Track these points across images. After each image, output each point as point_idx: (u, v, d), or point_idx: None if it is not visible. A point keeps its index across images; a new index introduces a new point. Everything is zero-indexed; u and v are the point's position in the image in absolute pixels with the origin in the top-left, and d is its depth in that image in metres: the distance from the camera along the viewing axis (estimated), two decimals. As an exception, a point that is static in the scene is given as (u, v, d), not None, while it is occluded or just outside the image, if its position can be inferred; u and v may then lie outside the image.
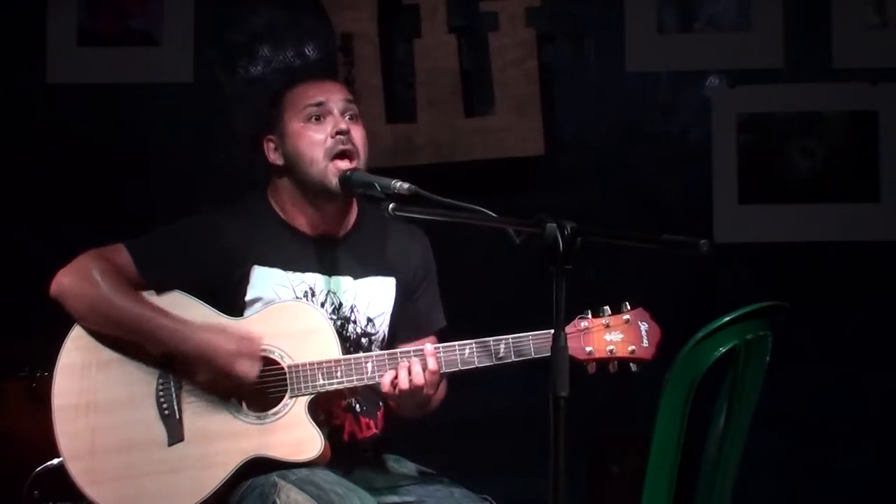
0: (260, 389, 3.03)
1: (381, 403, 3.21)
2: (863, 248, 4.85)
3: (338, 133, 3.10)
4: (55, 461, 3.25)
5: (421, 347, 3.03)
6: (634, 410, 4.44)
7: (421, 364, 2.99)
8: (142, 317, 3.01)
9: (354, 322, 3.17)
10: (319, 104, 3.12)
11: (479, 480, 3.17)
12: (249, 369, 2.99)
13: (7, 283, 4.68)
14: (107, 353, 3.04)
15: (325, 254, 3.17)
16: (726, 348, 3.21)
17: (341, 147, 3.09)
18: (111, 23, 4.98)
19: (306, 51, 4.99)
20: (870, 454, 4.77)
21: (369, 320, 3.19)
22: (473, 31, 4.89)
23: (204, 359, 2.99)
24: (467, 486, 3.13)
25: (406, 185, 2.98)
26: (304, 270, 3.13)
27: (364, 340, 3.16)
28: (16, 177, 4.88)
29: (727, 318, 3.22)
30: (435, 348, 3.01)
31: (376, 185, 3.02)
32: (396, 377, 2.98)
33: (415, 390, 2.98)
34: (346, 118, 3.13)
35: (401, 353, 3.04)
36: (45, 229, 4.79)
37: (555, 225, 2.64)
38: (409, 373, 2.97)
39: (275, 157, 3.17)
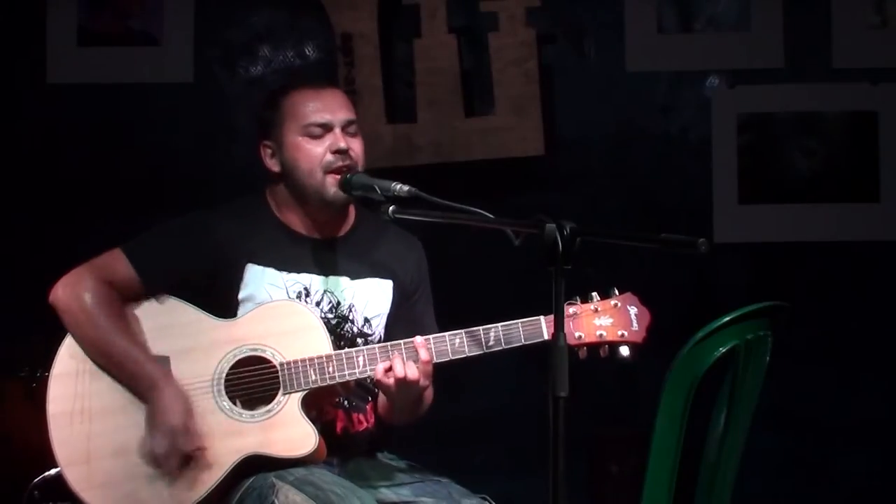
0: (253, 388, 3.04)
1: (369, 398, 3.22)
2: (863, 248, 4.85)
3: (337, 151, 3.11)
4: (52, 471, 3.25)
5: (411, 340, 3.04)
6: (634, 410, 4.45)
7: (413, 357, 3.00)
8: (123, 354, 3.03)
9: (352, 321, 3.18)
10: (323, 125, 3.13)
11: (478, 480, 3.17)
12: (165, 461, 2.98)
13: (7, 282, 4.68)
14: None
15: (322, 254, 3.18)
16: (726, 348, 3.22)
17: (339, 164, 3.11)
18: (111, 23, 4.98)
19: (306, 51, 4.99)
20: (870, 454, 4.77)
21: (366, 320, 3.19)
22: (473, 31, 4.89)
23: (154, 415, 3.00)
24: (466, 486, 3.13)
25: (406, 188, 3.00)
26: (299, 271, 3.15)
27: (360, 341, 3.17)
28: (15, 177, 4.88)
29: (727, 318, 3.22)
30: (425, 339, 3.02)
31: (376, 188, 3.03)
32: (391, 368, 2.99)
33: (410, 382, 2.99)
34: (347, 134, 3.14)
35: (391, 345, 3.05)
36: (45, 229, 4.79)
37: (554, 225, 2.64)
38: (403, 363, 2.98)
39: (272, 164, 3.19)
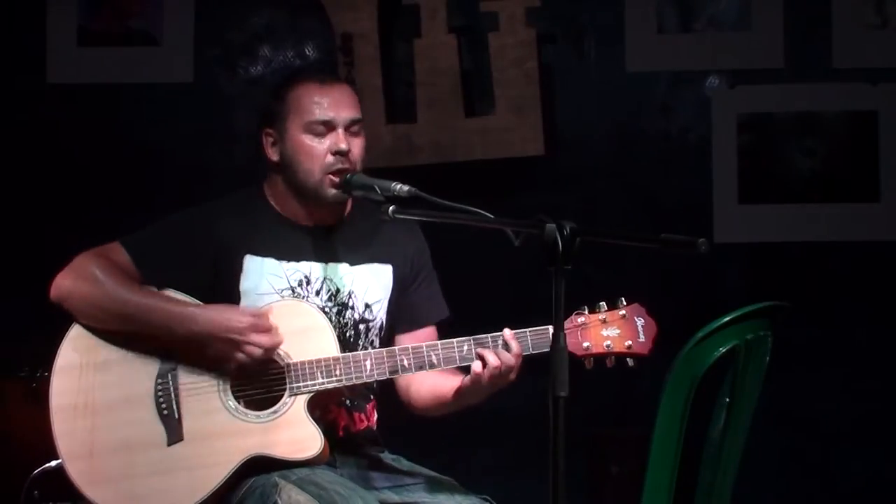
0: (259, 388, 3.04)
1: (371, 397, 3.22)
2: (863, 248, 4.85)
3: (337, 152, 3.11)
4: (53, 463, 3.25)
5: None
6: (634, 410, 4.45)
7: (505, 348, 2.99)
8: (147, 305, 3.03)
9: (352, 308, 3.18)
10: (326, 122, 3.13)
11: (479, 480, 3.17)
12: (267, 341, 2.99)
13: (7, 282, 4.68)
14: (105, 354, 3.05)
15: (321, 242, 3.18)
16: (726, 348, 3.22)
17: (339, 166, 3.11)
18: (111, 23, 4.98)
19: (306, 51, 4.99)
20: (870, 454, 4.77)
21: (367, 306, 3.19)
22: (473, 31, 4.89)
23: (217, 334, 2.99)
24: (467, 486, 3.13)
25: (406, 188, 3.00)
26: (298, 259, 3.15)
27: (361, 326, 3.17)
28: (15, 177, 4.88)
29: (727, 318, 3.23)
30: (513, 333, 3.00)
31: (376, 188, 3.03)
32: (485, 362, 2.97)
33: (505, 373, 2.97)
34: (349, 133, 3.14)
35: (399, 349, 3.05)
36: (44, 229, 4.79)
37: (554, 225, 2.64)
38: (499, 357, 2.97)
39: (272, 153, 3.19)
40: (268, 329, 3.01)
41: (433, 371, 3.16)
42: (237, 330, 2.99)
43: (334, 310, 3.14)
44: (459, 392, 3.07)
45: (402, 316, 3.23)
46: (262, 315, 3.02)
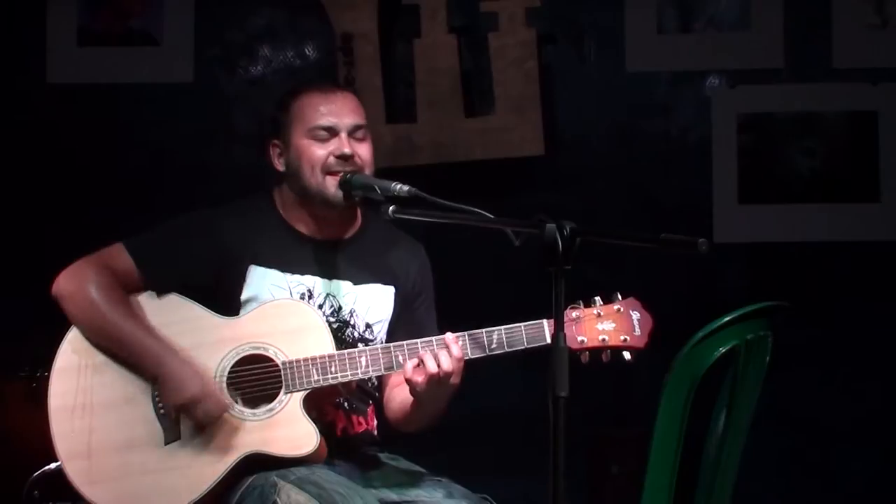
0: (255, 386, 3.04)
1: (370, 401, 3.22)
2: (863, 248, 4.85)
3: (340, 156, 3.11)
4: (53, 465, 3.26)
5: (429, 339, 3.02)
6: (634, 410, 4.45)
7: (446, 352, 2.98)
8: (130, 335, 3.04)
9: (353, 326, 3.18)
10: (328, 128, 3.13)
11: (478, 480, 3.17)
12: (212, 411, 2.99)
13: (7, 282, 4.68)
14: (103, 355, 3.06)
15: (326, 257, 3.18)
16: (726, 348, 3.22)
17: (340, 168, 3.11)
18: (111, 23, 4.99)
19: (306, 51, 5.00)
20: (870, 454, 4.77)
21: (368, 326, 3.19)
22: (473, 31, 4.89)
23: (173, 387, 3.00)
24: (467, 486, 3.13)
25: (406, 188, 3.00)
26: (302, 273, 3.15)
27: (361, 346, 3.16)
28: (15, 176, 4.88)
29: (727, 318, 3.23)
30: (457, 336, 3.00)
31: (376, 188, 3.04)
32: (420, 364, 2.97)
33: (442, 378, 2.97)
34: (354, 139, 3.14)
35: (394, 346, 3.04)
36: (44, 229, 4.79)
37: (554, 225, 2.64)
38: (436, 359, 2.96)
39: (278, 163, 3.20)
40: (213, 400, 3.00)
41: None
42: (188, 393, 2.99)
43: (335, 326, 3.14)
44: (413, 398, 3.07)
45: (400, 337, 3.20)
46: (212, 388, 3.01)
